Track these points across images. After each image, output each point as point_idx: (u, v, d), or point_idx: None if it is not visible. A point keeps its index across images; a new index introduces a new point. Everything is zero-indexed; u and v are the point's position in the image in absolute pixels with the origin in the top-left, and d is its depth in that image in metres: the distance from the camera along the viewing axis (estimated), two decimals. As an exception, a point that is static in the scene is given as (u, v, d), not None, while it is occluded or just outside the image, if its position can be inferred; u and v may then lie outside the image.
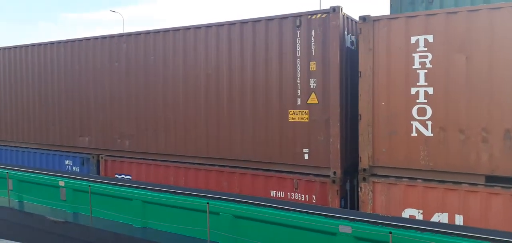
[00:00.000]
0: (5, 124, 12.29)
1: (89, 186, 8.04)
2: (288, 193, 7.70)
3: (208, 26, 8.48)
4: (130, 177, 9.79)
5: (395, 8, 9.04)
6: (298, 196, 7.59)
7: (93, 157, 10.35)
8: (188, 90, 8.81)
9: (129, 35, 9.66)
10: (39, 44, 11.40)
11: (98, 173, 10.31)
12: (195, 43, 8.66)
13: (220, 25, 8.33)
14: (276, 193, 7.82)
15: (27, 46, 11.69)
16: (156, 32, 9.20)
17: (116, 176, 9.99)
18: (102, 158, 10.21)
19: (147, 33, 9.33)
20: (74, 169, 10.81)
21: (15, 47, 11.99)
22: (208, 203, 6.37)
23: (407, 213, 6.68)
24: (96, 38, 10.24)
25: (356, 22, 7.61)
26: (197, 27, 8.63)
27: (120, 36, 9.80)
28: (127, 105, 9.70)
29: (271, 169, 7.88)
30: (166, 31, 9.06)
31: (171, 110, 9.06)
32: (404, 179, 6.76)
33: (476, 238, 4.62)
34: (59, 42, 10.94)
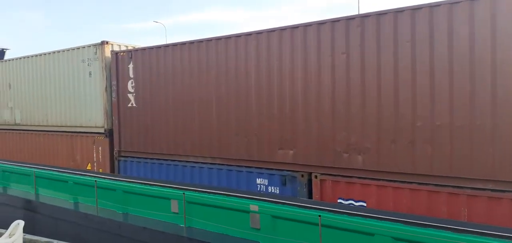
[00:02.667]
0: (167, 134, 10.35)
1: (319, 215, 6.12)
2: None
3: None
4: (364, 204, 7.37)
5: None
6: None
7: (302, 175, 8.07)
8: (475, 85, 6.25)
9: (351, 18, 7.35)
10: (219, 38, 9.39)
11: (310, 196, 8.02)
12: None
13: None
14: None
15: (201, 41, 9.70)
16: (417, 8, 6.77)
17: (339, 201, 7.63)
18: (316, 177, 7.89)
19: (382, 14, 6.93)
20: (270, 189, 8.61)
21: (183, 43, 10.09)
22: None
23: None
24: (295, 27, 8.04)
25: None
26: (456, 2, 6.20)
27: (335, 20, 7.52)
28: (361, 109, 7.30)
29: None
30: (416, 8, 6.65)
31: (444, 113, 6.52)
32: None
33: None
34: (248, 34, 8.85)
